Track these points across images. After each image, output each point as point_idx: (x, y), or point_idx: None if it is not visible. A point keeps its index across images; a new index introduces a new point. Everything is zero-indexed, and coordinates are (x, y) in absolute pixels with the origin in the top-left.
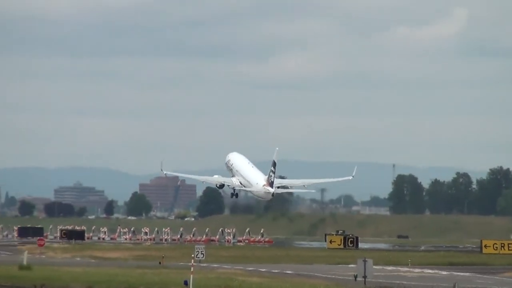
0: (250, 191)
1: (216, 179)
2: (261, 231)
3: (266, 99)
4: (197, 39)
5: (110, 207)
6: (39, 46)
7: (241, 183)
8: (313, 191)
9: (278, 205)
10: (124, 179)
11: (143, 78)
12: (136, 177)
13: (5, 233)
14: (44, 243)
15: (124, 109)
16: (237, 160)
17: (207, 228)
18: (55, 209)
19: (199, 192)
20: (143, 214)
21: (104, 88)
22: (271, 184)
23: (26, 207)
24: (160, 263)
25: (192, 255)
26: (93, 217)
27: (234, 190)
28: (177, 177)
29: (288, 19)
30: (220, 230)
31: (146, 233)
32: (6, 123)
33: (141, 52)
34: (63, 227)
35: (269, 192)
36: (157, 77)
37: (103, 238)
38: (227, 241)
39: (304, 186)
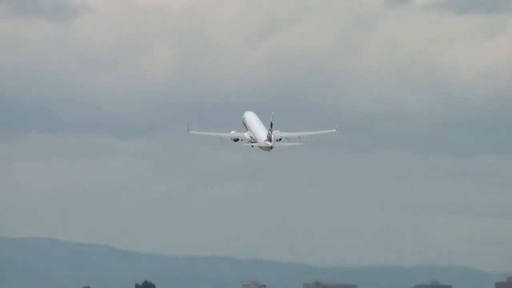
0: (256, 143)
1: (232, 134)
2: None
3: None
4: None
5: None
6: (395, 142)
7: (251, 137)
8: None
9: None
10: (480, 276)
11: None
12: (491, 275)
13: None
14: None
15: (481, 208)
16: (250, 118)
17: None
18: None
19: None
20: None
21: (465, 186)
22: (269, 139)
23: None
24: None
25: None
26: None
27: (249, 141)
28: None
29: None
30: None
31: None
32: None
33: (502, 150)
34: None
35: (268, 146)
36: None
37: None
38: None
39: (299, 137)
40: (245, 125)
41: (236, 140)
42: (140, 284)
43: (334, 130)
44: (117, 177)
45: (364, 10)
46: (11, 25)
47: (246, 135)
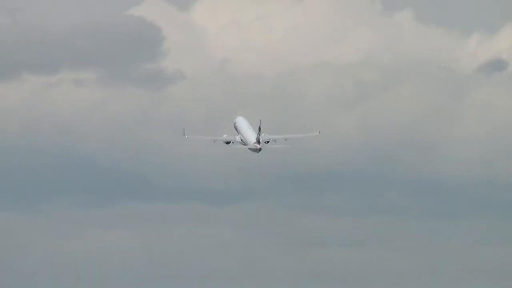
0: (246, 145)
1: (224, 137)
2: None
3: None
4: None
5: None
6: (487, 210)
7: (241, 140)
8: (288, 146)
9: None
10: None
11: None
12: None
13: None
14: None
15: None
16: (241, 123)
17: None
18: None
19: None
20: None
21: None
22: (258, 141)
23: None
24: None
25: None
26: None
27: (240, 144)
28: None
29: None
30: None
31: None
32: None
33: None
34: None
35: (257, 148)
36: None
37: None
38: None
39: (285, 139)
40: (236, 129)
41: (228, 142)
42: None
43: (318, 133)
44: (210, 244)
45: (456, 77)
46: (103, 93)
47: (237, 138)
